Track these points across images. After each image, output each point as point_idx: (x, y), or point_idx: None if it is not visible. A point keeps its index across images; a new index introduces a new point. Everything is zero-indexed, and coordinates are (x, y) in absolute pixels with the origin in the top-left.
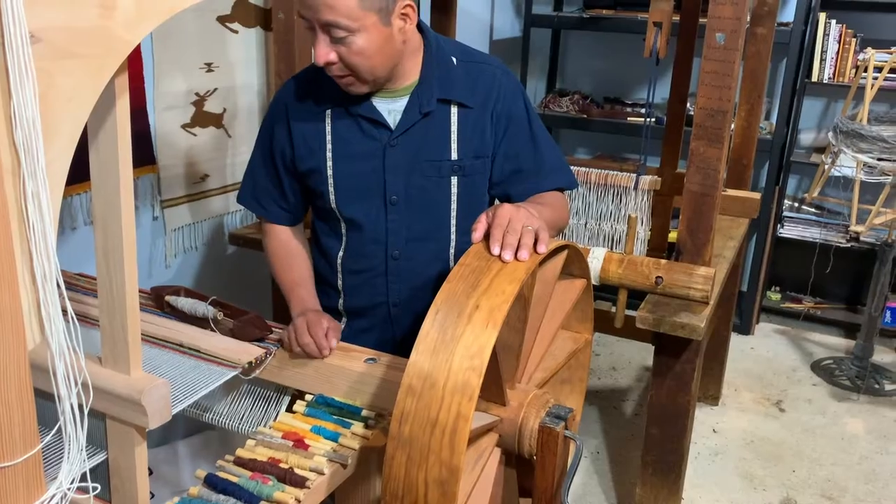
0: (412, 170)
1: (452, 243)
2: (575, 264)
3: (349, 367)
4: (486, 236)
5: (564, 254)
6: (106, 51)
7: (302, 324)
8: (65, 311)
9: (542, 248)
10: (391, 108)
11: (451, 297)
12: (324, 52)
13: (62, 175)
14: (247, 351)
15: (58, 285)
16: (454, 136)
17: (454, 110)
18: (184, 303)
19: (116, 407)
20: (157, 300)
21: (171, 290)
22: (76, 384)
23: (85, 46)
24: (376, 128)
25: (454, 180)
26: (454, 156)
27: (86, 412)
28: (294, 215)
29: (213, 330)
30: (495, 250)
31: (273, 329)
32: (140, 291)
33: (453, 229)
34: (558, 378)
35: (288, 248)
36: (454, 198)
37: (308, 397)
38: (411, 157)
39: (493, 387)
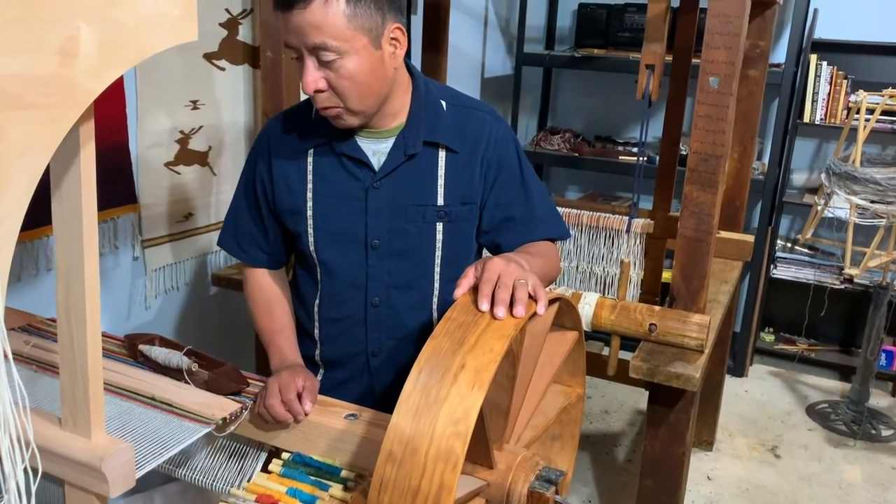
0: (395, 214)
1: (436, 292)
2: (566, 316)
3: (328, 424)
4: (474, 289)
5: (556, 306)
6: (65, 100)
7: (273, 388)
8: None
9: (541, 308)
10: (376, 149)
11: (436, 354)
12: (312, 79)
13: (13, 232)
14: (221, 406)
15: (4, 354)
16: (441, 181)
17: (442, 154)
18: (157, 353)
19: (75, 473)
20: (131, 349)
21: (146, 339)
22: (22, 460)
23: (41, 96)
24: (359, 168)
25: (440, 226)
26: (440, 201)
27: (33, 489)
28: (276, 259)
29: (187, 382)
30: (483, 306)
31: (250, 382)
32: (113, 339)
33: (437, 277)
34: (549, 434)
35: (268, 293)
36: (439, 244)
37: (285, 455)
38: (395, 200)
39: (480, 448)
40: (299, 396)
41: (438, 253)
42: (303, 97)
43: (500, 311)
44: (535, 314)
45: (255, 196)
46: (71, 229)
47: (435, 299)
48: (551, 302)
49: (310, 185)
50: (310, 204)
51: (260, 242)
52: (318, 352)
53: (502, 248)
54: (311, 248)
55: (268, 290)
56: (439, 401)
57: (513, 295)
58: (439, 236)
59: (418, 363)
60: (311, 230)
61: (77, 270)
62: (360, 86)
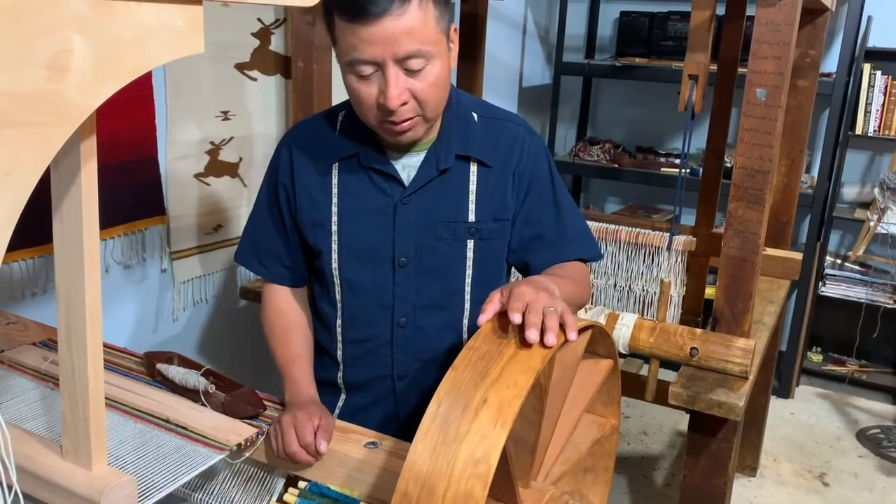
0: (425, 230)
1: (466, 313)
2: (599, 343)
3: (347, 453)
4: (500, 316)
5: (588, 334)
6: (56, 118)
7: (288, 426)
8: None
9: (572, 335)
10: (406, 164)
11: (456, 387)
12: (399, 93)
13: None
14: (236, 430)
15: None
16: (472, 196)
17: (473, 168)
18: (174, 372)
19: None
20: (150, 367)
21: (164, 358)
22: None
23: (28, 113)
24: (388, 183)
25: (470, 244)
26: (471, 217)
27: None
28: (298, 276)
29: (203, 403)
30: (516, 319)
31: (267, 405)
32: (133, 356)
33: (467, 297)
34: (581, 466)
35: (285, 318)
36: (469, 263)
37: (301, 484)
38: (424, 216)
39: (504, 487)
40: (316, 434)
41: (469, 272)
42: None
43: (533, 333)
44: (565, 342)
45: (277, 207)
46: (72, 252)
47: (465, 320)
48: (584, 329)
49: (335, 200)
50: (334, 219)
51: (281, 257)
52: (340, 374)
53: (531, 268)
54: (335, 265)
55: (286, 314)
56: (459, 438)
57: (542, 323)
58: (470, 254)
59: (437, 396)
60: (335, 246)
61: (77, 295)
62: (440, 91)
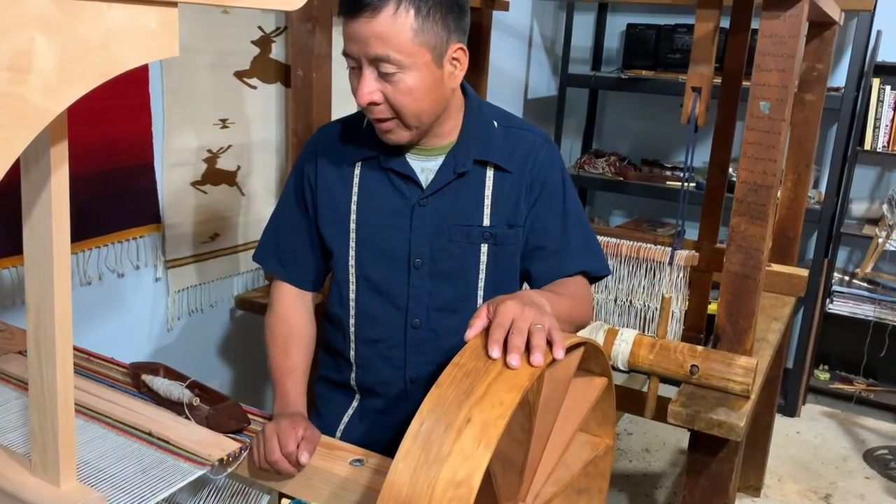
0: (439, 233)
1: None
2: (593, 360)
3: (332, 470)
4: (487, 331)
5: (580, 351)
6: (16, 121)
7: (272, 435)
8: None
9: (559, 353)
10: (424, 167)
11: (440, 405)
12: (368, 90)
13: None
14: (220, 445)
15: None
16: (488, 201)
17: (490, 173)
18: (159, 384)
19: None
20: (135, 378)
21: (150, 369)
22: None
23: None
24: (407, 185)
25: (484, 248)
26: (486, 221)
27: None
28: (316, 276)
29: (187, 416)
30: (493, 353)
31: (252, 419)
32: (119, 366)
33: (480, 302)
34: (574, 487)
35: (288, 327)
36: (483, 267)
37: (285, 502)
38: (439, 219)
39: None
40: (298, 445)
41: (482, 276)
42: (336, 115)
43: (514, 359)
44: (553, 361)
45: (304, 204)
46: (41, 261)
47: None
48: (576, 346)
49: (354, 198)
50: (353, 217)
51: (303, 257)
52: (353, 375)
53: (533, 279)
54: (352, 262)
55: (289, 322)
56: (440, 459)
57: (528, 341)
58: (483, 258)
59: (420, 413)
60: (352, 244)
61: (47, 305)
62: (417, 102)
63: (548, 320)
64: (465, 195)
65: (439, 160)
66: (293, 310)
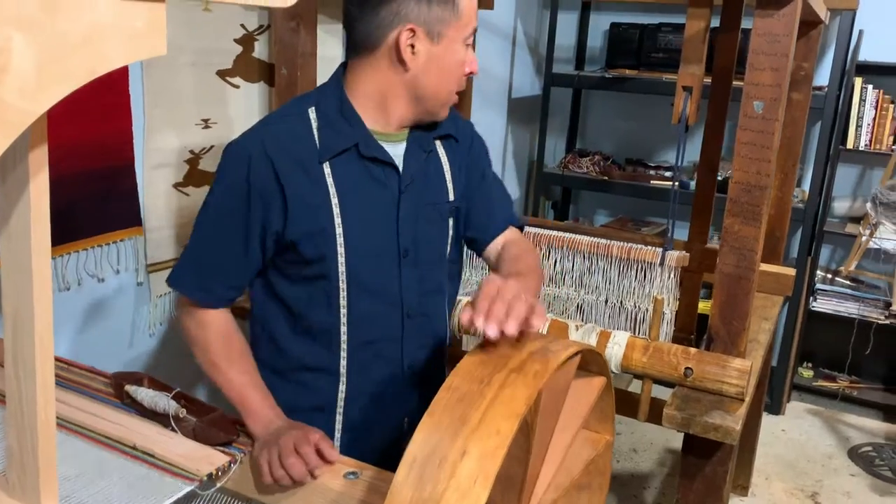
0: (419, 217)
1: (447, 295)
2: (592, 362)
3: (326, 484)
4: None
5: (576, 360)
6: None
7: (288, 445)
8: None
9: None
10: (394, 153)
11: (434, 435)
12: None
13: None
14: (208, 459)
15: None
16: (448, 175)
17: (441, 150)
18: (144, 395)
19: None
20: (118, 388)
21: (134, 379)
22: None
23: None
24: (385, 173)
25: (450, 223)
26: (451, 196)
27: None
28: (236, 295)
29: (173, 428)
30: (478, 322)
31: (240, 430)
32: (101, 376)
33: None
34: (575, 484)
35: (229, 341)
36: (449, 241)
37: None
38: (418, 202)
39: None
40: (318, 450)
41: (448, 250)
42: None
43: (492, 329)
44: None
45: (244, 220)
46: (20, 271)
47: (447, 298)
48: (573, 355)
49: (335, 200)
50: (338, 221)
51: (229, 276)
52: (343, 388)
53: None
54: (342, 268)
55: (229, 337)
56: (434, 499)
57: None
58: (450, 232)
59: (412, 445)
60: (341, 249)
61: (26, 318)
62: None
63: (529, 295)
64: (433, 174)
65: (402, 144)
66: (232, 327)
